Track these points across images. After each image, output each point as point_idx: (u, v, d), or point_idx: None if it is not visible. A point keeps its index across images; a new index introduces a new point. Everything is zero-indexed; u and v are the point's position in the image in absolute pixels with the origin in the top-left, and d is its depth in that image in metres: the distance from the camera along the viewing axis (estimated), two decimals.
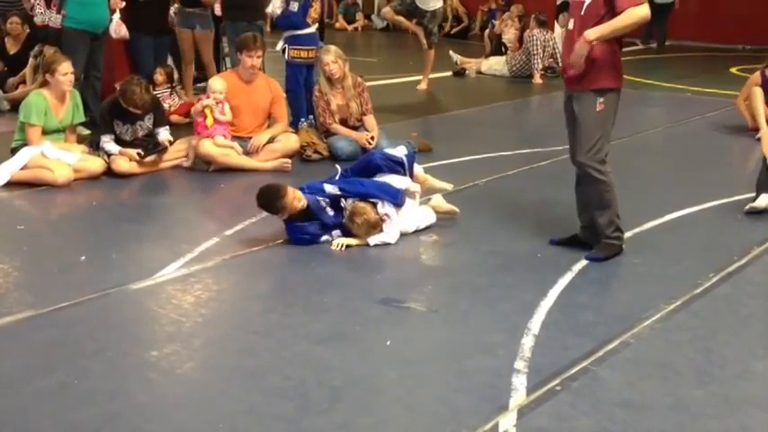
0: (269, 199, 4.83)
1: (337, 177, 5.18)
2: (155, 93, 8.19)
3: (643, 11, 4.28)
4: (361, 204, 4.85)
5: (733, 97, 9.46)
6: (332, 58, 6.92)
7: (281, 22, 7.68)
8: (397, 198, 4.95)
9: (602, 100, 4.45)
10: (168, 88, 8.40)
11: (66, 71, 6.20)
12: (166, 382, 3.33)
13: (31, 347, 3.56)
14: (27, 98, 6.30)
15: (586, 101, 4.48)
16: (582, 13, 4.42)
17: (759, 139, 7.45)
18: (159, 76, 8.36)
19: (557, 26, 12.90)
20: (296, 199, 4.82)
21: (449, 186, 5.57)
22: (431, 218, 5.16)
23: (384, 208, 4.87)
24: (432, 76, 11.04)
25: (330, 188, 4.97)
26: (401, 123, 8.42)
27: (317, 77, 7.30)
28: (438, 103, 9.87)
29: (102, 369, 3.37)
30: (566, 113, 4.68)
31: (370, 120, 7.14)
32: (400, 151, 5.32)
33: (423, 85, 10.84)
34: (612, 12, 4.30)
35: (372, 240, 4.84)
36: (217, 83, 6.74)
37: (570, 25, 4.52)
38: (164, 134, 6.49)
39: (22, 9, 9.18)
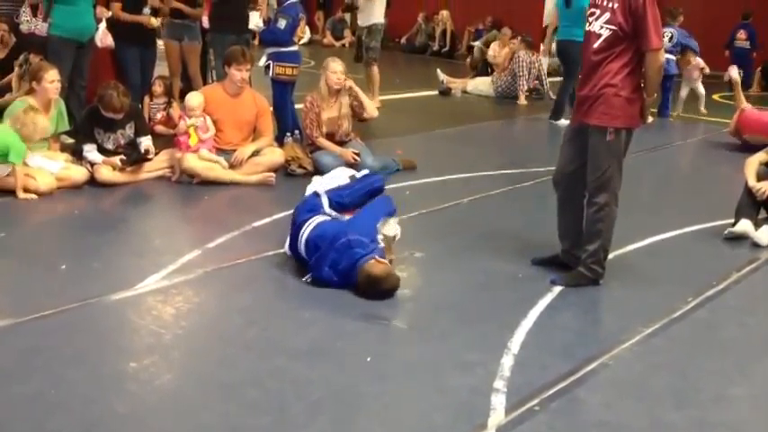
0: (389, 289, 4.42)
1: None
2: (150, 104, 8.18)
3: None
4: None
5: (715, 123, 9.58)
6: (341, 69, 7.00)
7: (267, 36, 7.68)
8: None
9: (611, 130, 4.46)
10: (165, 103, 8.22)
11: (52, 79, 6.21)
12: (145, 392, 3.31)
13: (7, 355, 3.53)
14: (12, 105, 6.28)
15: (597, 131, 4.49)
16: (596, 45, 4.45)
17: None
18: (158, 87, 8.25)
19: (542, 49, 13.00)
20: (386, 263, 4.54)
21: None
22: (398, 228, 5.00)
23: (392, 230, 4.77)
24: (418, 94, 11.05)
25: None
26: (386, 140, 8.44)
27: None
28: (423, 122, 9.91)
29: (80, 378, 3.35)
30: (564, 138, 4.73)
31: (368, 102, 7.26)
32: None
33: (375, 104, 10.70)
34: (632, 47, 4.37)
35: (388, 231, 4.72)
36: (195, 100, 6.65)
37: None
38: (146, 142, 6.50)
39: (9, 16, 9.16)
